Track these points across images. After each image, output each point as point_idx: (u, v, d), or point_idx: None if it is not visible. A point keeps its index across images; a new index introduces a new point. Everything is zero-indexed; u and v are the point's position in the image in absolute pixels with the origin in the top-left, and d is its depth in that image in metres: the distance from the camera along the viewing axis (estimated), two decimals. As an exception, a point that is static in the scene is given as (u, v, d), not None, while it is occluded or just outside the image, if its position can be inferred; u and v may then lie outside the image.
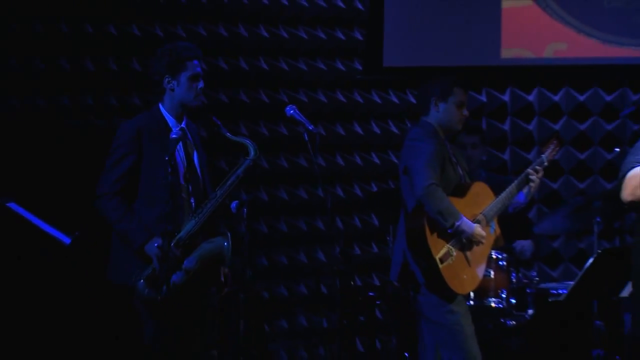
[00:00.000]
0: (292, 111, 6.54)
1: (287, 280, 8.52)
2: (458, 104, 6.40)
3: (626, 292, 6.75)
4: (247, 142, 6.08)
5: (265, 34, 8.45)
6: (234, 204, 6.67)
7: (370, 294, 8.16)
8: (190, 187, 5.95)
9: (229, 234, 5.93)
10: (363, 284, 8.67)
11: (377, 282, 8.75)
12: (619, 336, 7.49)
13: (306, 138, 6.35)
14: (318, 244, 8.66)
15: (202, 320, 6.06)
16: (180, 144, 5.93)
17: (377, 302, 8.23)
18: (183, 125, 5.98)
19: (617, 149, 8.30)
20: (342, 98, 8.82)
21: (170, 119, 5.95)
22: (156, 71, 5.95)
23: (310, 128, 6.42)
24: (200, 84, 5.99)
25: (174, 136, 5.82)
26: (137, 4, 7.79)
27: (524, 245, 7.72)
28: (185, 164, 5.97)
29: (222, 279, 6.06)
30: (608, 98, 9.16)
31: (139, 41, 7.72)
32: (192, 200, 5.96)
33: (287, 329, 8.48)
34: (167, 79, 5.92)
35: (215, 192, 5.97)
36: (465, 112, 6.46)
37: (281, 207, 8.51)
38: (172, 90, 5.94)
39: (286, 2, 8.54)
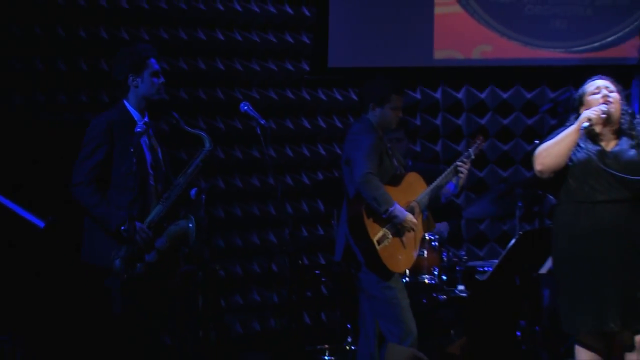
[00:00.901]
0: (245, 107, 6.55)
1: (241, 259, 8.51)
2: (394, 109, 6.44)
3: (545, 269, 6.85)
4: (203, 134, 6.09)
5: (221, 37, 8.44)
6: (193, 191, 6.68)
7: (317, 272, 8.20)
8: (156, 176, 5.96)
9: (192, 217, 5.95)
10: (310, 263, 8.68)
11: (322, 261, 8.76)
12: (538, 309, 7.57)
13: (259, 132, 6.36)
14: (269, 227, 8.65)
15: (166, 296, 6.06)
16: (146, 136, 5.94)
17: (323, 279, 8.27)
18: (146, 119, 5.99)
19: (537, 141, 8.36)
20: (291, 95, 8.82)
21: (135, 113, 5.95)
22: (120, 71, 5.95)
23: (262, 122, 6.44)
24: (161, 79, 6.00)
25: (138, 129, 5.84)
26: (104, 10, 7.76)
27: (440, 227, 7.77)
28: (151, 154, 5.98)
29: (178, 264, 6.06)
30: (529, 95, 9.22)
31: (106, 44, 7.68)
32: (159, 187, 5.96)
33: (241, 303, 8.47)
34: (131, 77, 5.92)
35: (178, 179, 5.98)
36: (400, 114, 6.51)
37: (236, 194, 8.50)
38: (137, 87, 5.94)
39: (240, 9, 8.52)
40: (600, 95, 5.88)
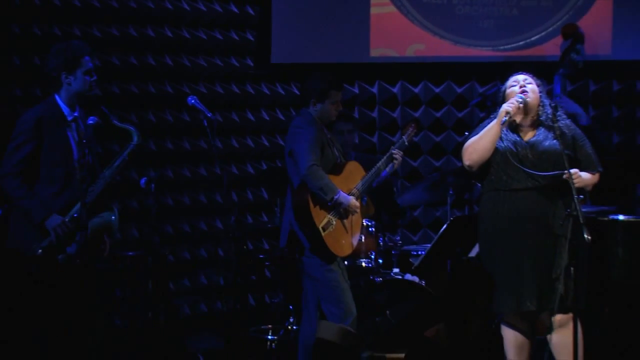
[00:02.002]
0: (193, 101, 6.49)
1: (189, 245, 8.47)
2: (333, 103, 6.41)
3: (474, 252, 6.86)
4: (132, 128, 5.99)
5: (170, 34, 8.37)
6: (143, 180, 6.61)
7: (261, 256, 8.18)
8: (82, 169, 5.82)
9: (115, 209, 5.85)
10: (254, 248, 8.66)
11: (266, 247, 8.74)
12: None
13: (205, 124, 6.31)
14: (216, 214, 8.62)
15: (92, 283, 5.95)
16: (74, 130, 5.83)
17: (267, 264, 8.26)
18: (76, 114, 5.86)
19: (467, 133, 8.39)
20: (236, 90, 8.78)
21: (65, 109, 5.80)
22: (53, 68, 5.79)
23: (209, 115, 6.39)
24: (94, 77, 5.87)
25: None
26: (38, 7, 7.62)
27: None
28: (78, 149, 5.85)
29: (104, 248, 5.95)
30: (459, 90, 9.25)
31: (39, 40, 7.54)
32: (85, 181, 5.81)
33: (189, 286, 8.43)
34: (64, 75, 5.78)
35: (104, 172, 5.86)
36: (340, 108, 6.48)
37: (184, 183, 8.45)
38: (69, 84, 5.80)
39: (188, 8, 8.46)
40: (518, 86, 5.92)
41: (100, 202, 5.83)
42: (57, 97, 5.83)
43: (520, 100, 5.86)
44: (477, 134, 6.00)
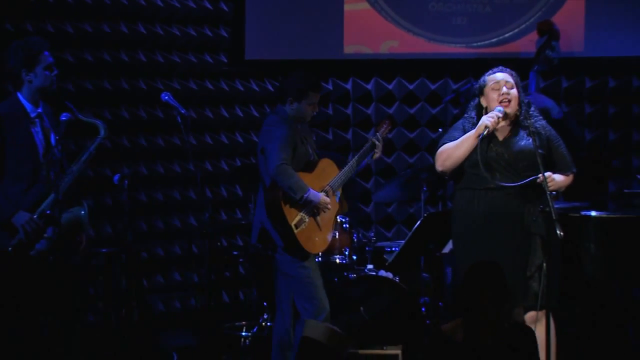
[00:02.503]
0: (167, 97, 6.47)
1: (163, 242, 8.45)
2: (310, 104, 6.40)
3: (447, 249, 6.88)
4: (98, 122, 5.94)
5: (143, 30, 8.34)
6: (116, 177, 6.59)
7: (235, 253, 8.17)
8: (48, 165, 5.77)
9: (85, 204, 5.81)
10: (228, 245, 8.65)
11: (240, 243, 8.74)
12: (442, 286, 7.61)
13: (179, 120, 6.30)
14: (190, 210, 8.60)
15: (66, 280, 5.91)
16: (39, 126, 5.78)
17: (240, 260, 8.25)
18: (40, 110, 5.82)
19: (440, 129, 8.42)
20: (210, 86, 8.76)
21: (28, 105, 5.75)
22: (13, 66, 5.73)
23: (183, 112, 6.37)
24: (55, 71, 5.82)
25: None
26: (9, 2, 7.54)
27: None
28: (44, 144, 5.81)
29: (80, 242, 5.91)
30: (433, 87, 9.26)
31: (12, 36, 7.37)
32: (52, 177, 5.76)
33: (163, 283, 8.42)
34: (24, 72, 5.73)
35: (71, 167, 5.82)
36: (316, 109, 6.47)
37: (158, 180, 8.42)
38: (31, 82, 5.74)
39: (161, 4, 8.43)
40: (499, 94, 5.89)
41: (70, 197, 5.79)
42: (19, 94, 5.77)
43: (501, 114, 5.87)
44: (451, 135, 6.00)
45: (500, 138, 5.95)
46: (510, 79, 5.94)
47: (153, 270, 8.34)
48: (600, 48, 8.86)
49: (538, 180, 5.74)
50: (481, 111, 6.01)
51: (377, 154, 6.67)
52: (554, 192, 5.79)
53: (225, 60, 8.86)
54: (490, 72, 6.02)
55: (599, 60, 8.94)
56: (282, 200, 6.19)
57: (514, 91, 5.92)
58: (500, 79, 5.93)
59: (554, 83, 9.03)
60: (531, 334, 5.14)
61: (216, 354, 7.37)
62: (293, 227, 6.20)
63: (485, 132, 5.82)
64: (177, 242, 8.52)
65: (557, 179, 5.89)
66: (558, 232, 5.40)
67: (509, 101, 5.89)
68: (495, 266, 5.59)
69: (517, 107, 5.94)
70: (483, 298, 4.93)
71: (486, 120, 5.83)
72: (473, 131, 5.89)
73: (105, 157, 7.80)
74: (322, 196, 6.30)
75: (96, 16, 8.06)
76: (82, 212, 5.78)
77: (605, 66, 8.98)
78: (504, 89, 5.90)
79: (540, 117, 6.07)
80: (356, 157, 6.65)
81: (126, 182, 6.61)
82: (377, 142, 6.65)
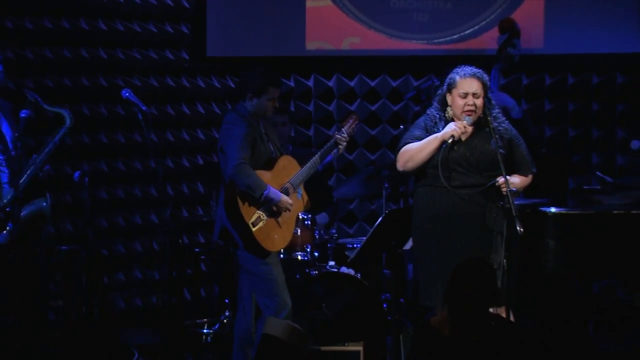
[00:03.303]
0: (127, 94, 6.45)
1: (124, 239, 8.42)
2: (270, 99, 6.39)
3: (408, 245, 6.90)
4: (64, 112, 5.91)
5: (104, 27, 8.30)
6: (76, 174, 6.55)
7: (196, 250, 8.15)
8: (7, 159, 5.73)
9: (48, 195, 5.78)
10: (190, 242, 8.63)
11: (202, 240, 8.73)
12: (403, 282, 7.63)
13: (140, 117, 6.27)
14: (151, 207, 8.58)
15: (28, 274, 5.88)
16: None
17: (202, 257, 8.23)
18: None
19: (402, 126, 8.44)
20: (171, 83, 8.74)
21: None
22: None
23: (144, 109, 6.35)
24: (0, 68, 5.79)
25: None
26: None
27: (319, 218, 7.81)
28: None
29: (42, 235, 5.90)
30: (394, 84, 9.28)
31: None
32: (10, 171, 5.72)
33: (124, 281, 8.40)
34: None
35: (33, 158, 5.78)
36: (276, 104, 6.46)
37: (119, 177, 8.39)
38: None
39: (121, 0, 8.40)
40: (466, 103, 5.92)
41: (32, 190, 5.75)
42: None
43: (468, 124, 5.90)
44: (413, 134, 6.02)
45: (463, 138, 5.98)
46: (479, 90, 5.95)
47: (114, 268, 8.31)
48: (560, 45, 8.92)
49: (497, 183, 5.79)
50: (445, 106, 6.04)
51: (341, 149, 6.67)
52: (514, 189, 5.83)
53: (187, 57, 8.84)
54: (462, 71, 6.00)
55: (559, 57, 9.00)
56: (239, 199, 6.18)
57: (480, 101, 5.95)
58: (468, 90, 5.94)
59: (515, 80, 9.09)
60: (517, 329, 5.18)
61: (178, 351, 7.35)
62: (250, 225, 6.20)
63: (449, 141, 5.87)
64: (138, 239, 8.50)
65: (516, 182, 5.95)
66: (518, 228, 5.44)
67: (474, 111, 5.93)
68: (455, 263, 5.63)
69: (481, 112, 5.98)
70: (469, 293, 4.95)
71: (453, 131, 5.86)
72: (438, 135, 5.91)
73: (66, 154, 7.76)
74: (282, 195, 6.30)
75: (56, 12, 8.02)
76: (44, 204, 5.76)
77: (564, 63, 9.05)
78: (470, 100, 5.93)
79: (504, 119, 6.11)
80: (319, 153, 6.65)
81: (86, 179, 6.58)
82: (342, 137, 6.63)
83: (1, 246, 5.61)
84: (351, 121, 6.87)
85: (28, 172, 5.71)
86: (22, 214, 5.64)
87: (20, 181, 5.66)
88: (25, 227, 5.66)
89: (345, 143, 6.64)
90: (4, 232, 5.62)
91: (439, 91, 6.12)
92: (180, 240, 8.18)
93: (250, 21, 8.98)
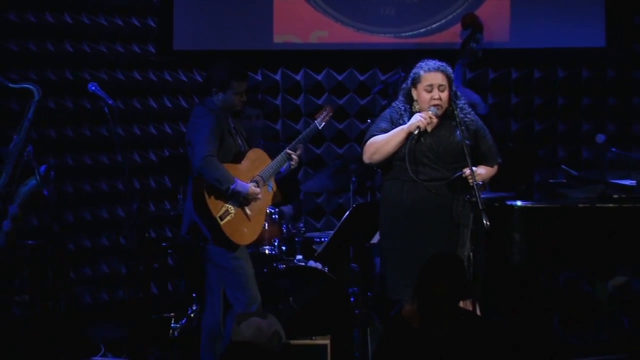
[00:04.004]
0: (93, 88, 6.43)
1: (90, 233, 8.39)
2: (236, 94, 6.38)
3: (376, 239, 6.93)
4: (30, 86, 5.88)
5: (69, 20, 8.26)
6: (42, 168, 6.51)
7: (163, 244, 8.13)
8: None
9: (36, 170, 5.76)
10: (157, 236, 8.62)
11: (169, 234, 8.71)
12: (370, 276, 7.66)
13: (106, 111, 6.26)
14: (118, 201, 8.55)
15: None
16: None
17: (169, 251, 8.22)
18: None
19: (369, 120, 8.46)
20: (138, 76, 8.71)
21: None
22: None
23: (110, 102, 6.34)
24: None
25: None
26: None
27: (284, 209, 7.82)
28: None
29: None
30: (361, 77, 9.30)
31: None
32: None
33: (90, 275, 8.37)
34: None
35: (14, 139, 5.76)
36: (244, 98, 6.45)
37: (85, 171, 8.36)
38: None
39: (88, -7, 8.39)
40: (432, 97, 5.94)
41: (21, 171, 5.74)
42: None
43: (434, 115, 5.93)
44: (379, 126, 6.04)
45: (429, 130, 6.01)
46: (444, 82, 5.98)
47: (80, 262, 8.28)
48: (526, 39, 8.97)
49: (464, 175, 5.82)
50: (411, 101, 6.06)
51: (293, 164, 6.64)
52: (480, 182, 5.87)
53: (153, 51, 8.82)
54: (425, 65, 6.04)
55: (525, 51, 9.05)
56: (206, 192, 6.18)
57: (445, 94, 5.98)
58: (434, 83, 5.97)
59: (481, 74, 9.13)
60: (489, 324, 5.22)
61: (144, 346, 7.34)
62: (217, 219, 6.20)
63: (416, 132, 5.89)
64: (105, 234, 8.48)
65: (482, 173, 5.99)
66: (484, 221, 5.48)
67: (440, 105, 5.96)
68: (422, 256, 5.66)
69: (447, 104, 6.01)
70: (439, 288, 4.98)
71: (419, 122, 5.89)
72: (404, 127, 5.94)
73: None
74: (250, 187, 6.30)
75: (21, 5, 7.97)
76: (34, 181, 5.72)
77: (530, 57, 9.10)
78: (436, 94, 5.95)
79: (470, 110, 6.15)
80: (290, 146, 6.65)
81: (52, 173, 6.54)
82: (293, 155, 6.61)
83: (7, 233, 5.58)
84: (325, 113, 6.89)
85: (14, 154, 5.68)
86: (19, 197, 5.61)
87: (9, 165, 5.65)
88: (23, 210, 5.64)
89: (296, 158, 6.61)
90: (7, 219, 5.58)
91: (404, 85, 6.14)
92: (147, 235, 8.17)
93: (218, 14, 8.97)
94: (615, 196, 6.65)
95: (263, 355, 5.22)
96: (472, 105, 7.63)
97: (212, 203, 6.19)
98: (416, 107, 6.04)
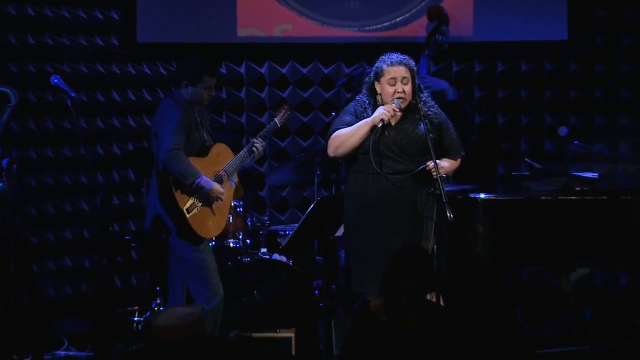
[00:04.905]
0: (56, 81, 6.39)
1: (54, 227, 8.35)
2: (206, 88, 6.37)
3: (340, 232, 6.94)
4: (7, 90, 5.85)
5: (32, 12, 8.20)
6: (5, 161, 6.48)
7: (127, 237, 8.11)
8: None
9: (4, 175, 5.74)
10: (121, 230, 8.59)
11: (133, 228, 8.69)
12: (335, 269, 7.67)
13: (70, 104, 6.22)
14: (81, 195, 8.50)
15: None
16: None
17: (133, 245, 8.19)
18: None
19: (334, 113, 8.46)
20: (101, 69, 8.67)
21: None
22: None
23: (73, 95, 6.30)
24: None
25: None
26: None
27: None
28: None
29: None
30: (326, 71, 9.29)
31: None
32: None
33: (54, 269, 8.32)
34: None
35: None
36: (212, 93, 6.44)
37: (48, 164, 8.31)
38: None
39: (50, -15, 8.33)
40: (395, 90, 5.95)
41: None
42: None
43: (397, 108, 5.94)
44: (343, 120, 6.05)
45: (394, 123, 6.02)
46: (407, 74, 5.99)
47: (44, 256, 8.24)
48: (489, 33, 9.00)
49: (428, 168, 5.84)
50: (375, 95, 6.07)
51: (257, 156, 6.64)
52: (444, 175, 5.89)
53: (117, 44, 8.77)
54: (388, 59, 6.04)
55: (488, 45, 9.08)
56: (174, 186, 6.16)
57: (409, 87, 5.99)
58: (397, 76, 5.98)
59: (445, 67, 9.15)
60: (455, 316, 5.24)
61: (109, 340, 7.31)
62: (185, 212, 6.19)
63: (380, 126, 5.90)
64: (68, 227, 8.43)
65: (445, 166, 6.01)
66: (448, 214, 5.49)
67: (404, 98, 5.97)
68: (386, 250, 5.67)
69: (411, 97, 6.02)
70: (406, 282, 4.99)
71: (383, 115, 5.90)
72: (368, 120, 5.95)
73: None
74: (214, 184, 6.29)
75: (-18, -3, 7.92)
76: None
77: (494, 51, 9.14)
78: (400, 87, 5.96)
79: (434, 104, 6.16)
80: (248, 146, 6.64)
81: (15, 166, 6.50)
82: (257, 145, 6.62)
83: None
84: (284, 111, 6.91)
85: None
86: None
87: None
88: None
89: (262, 148, 6.62)
90: None
91: (366, 79, 6.15)
92: (110, 228, 8.13)
93: (181, 7, 8.93)
94: (578, 189, 6.71)
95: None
96: (442, 92, 7.68)
97: (180, 196, 6.18)
98: (380, 101, 6.05)
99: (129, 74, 8.82)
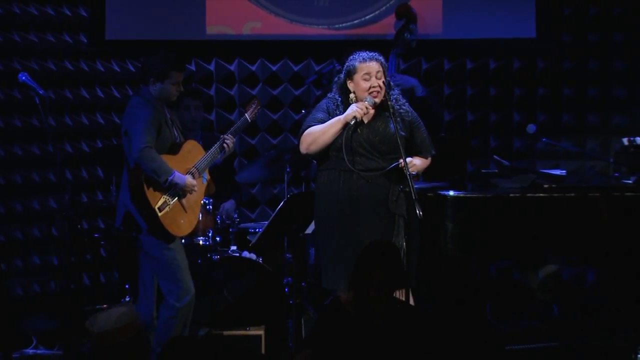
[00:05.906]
0: (24, 78, 6.34)
1: (21, 224, 8.30)
2: (174, 84, 6.35)
3: (310, 229, 6.94)
4: None
5: (0, 10, 8.16)
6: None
7: (96, 235, 8.08)
8: None
9: None
10: (89, 227, 8.56)
11: (102, 225, 8.65)
12: (305, 266, 7.68)
13: (37, 101, 6.18)
14: (49, 192, 8.46)
15: None
16: None
17: (102, 243, 8.15)
18: None
19: (303, 111, 8.46)
20: (69, 66, 8.63)
21: None
22: None
23: (41, 92, 6.25)
24: None
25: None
26: None
27: (227, 207, 7.82)
28: None
29: None
30: (296, 68, 9.29)
31: None
32: None
33: (21, 267, 8.28)
34: None
35: None
36: (181, 88, 6.42)
37: (16, 162, 8.26)
38: None
39: (18, -18, 8.28)
40: (370, 85, 5.96)
41: None
42: None
43: (371, 105, 5.94)
44: (315, 117, 6.05)
45: (366, 120, 6.03)
46: (380, 69, 6.01)
47: (11, 254, 8.19)
48: (458, 30, 9.02)
49: (400, 166, 5.85)
50: (347, 93, 6.07)
51: (228, 152, 6.65)
52: (414, 173, 5.91)
53: (85, 40, 8.73)
54: (359, 56, 6.05)
55: (457, 42, 9.11)
56: (145, 183, 6.14)
57: (382, 80, 6.00)
58: (371, 71, 5.99)
59: (414, 65, 9.17)
60: (423, 313, 5.26)
61: (77, 338, 7.27)
62: (157, 210, 6.16)
63: (352, 123, 5.90)
64: (36, 225, 8.39)
65: (417, 164, 6.03)
66: (418, 212, 5.50)
67: (379, 92, 5.98)
68: (357, 247, 5.68)
69: (382, 97, 6.03)
70: (374, 274, 5.00)
71: (356, 112, 5.90)
72: (341, 117, 5.95)
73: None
74: (187, 178, 6.27)
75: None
76: None
77: (463, 48, 9.17)
78: (375, 81, 5.97)
79: (404, 101, 6.17)
80: (219, 142, 6.63)
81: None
82: (228, 141, 6.61)
83: None
84: (254, 106, 6.91)
85: None
86: None
87: None
88: None
89: (232, 144, 6.62)
90: None
91: (336, 79, 6.16)
92: (79, 226, 8.10)
93: (150, 4, 8.91)
94: (546, 186, 6.74)
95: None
96: (411, 89, 7.70)
97: (151, 194, 6.15)
98: (353, 99, 6.06)
99: (97, 71, 8.79)
